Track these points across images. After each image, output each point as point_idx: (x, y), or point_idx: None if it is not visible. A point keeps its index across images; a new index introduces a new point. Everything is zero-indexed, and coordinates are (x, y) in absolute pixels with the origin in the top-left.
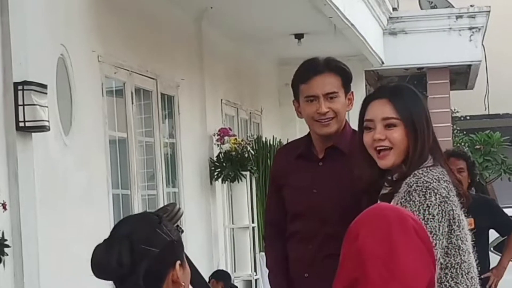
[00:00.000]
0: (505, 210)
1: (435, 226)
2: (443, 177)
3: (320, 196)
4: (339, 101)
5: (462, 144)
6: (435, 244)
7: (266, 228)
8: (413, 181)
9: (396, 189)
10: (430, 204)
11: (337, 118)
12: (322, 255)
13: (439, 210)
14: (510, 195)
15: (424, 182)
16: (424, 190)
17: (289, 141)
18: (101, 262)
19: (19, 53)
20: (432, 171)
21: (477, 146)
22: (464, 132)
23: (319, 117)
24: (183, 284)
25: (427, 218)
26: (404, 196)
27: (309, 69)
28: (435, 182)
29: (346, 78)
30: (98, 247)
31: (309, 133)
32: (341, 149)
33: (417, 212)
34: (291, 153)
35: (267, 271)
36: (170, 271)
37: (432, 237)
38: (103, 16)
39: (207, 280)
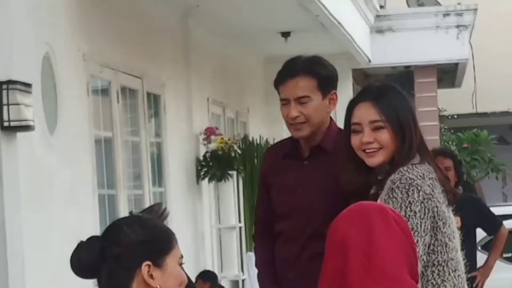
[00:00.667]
0: (492, 209)
1: (417, 222)
2: (428, 174)
3: (304, 196)
4: (311, 105)
5: (450, 142)
6: (417, 241)
7: (255, 227)
8: (396, 178)
9: (381, 188)
10: (413, 201)
11: (309, 122)
12: (306, 255)
13: (422, 207)
14: (498, 193)
15: (408, 179)
16: (407, 187)
17: (275, 140)
18: (71, 259)
19: (3, 51)
20: (417, 168)
21: (465, 145)
22: (452, 131)
23: (291, 121)
24: (157, 286)
25: (409, 215)
26: (388, 192)
27: (285, 72)
28: (419, 179)
29: (323, 80)
30: (78, 244)
31: None
32: (325, 148)
33: (399, 209)
34: (278, 152)
35: (256, 270)
36: (138, 272)
37: (414, 234)
38: (88, 14)
39: (193, 280)
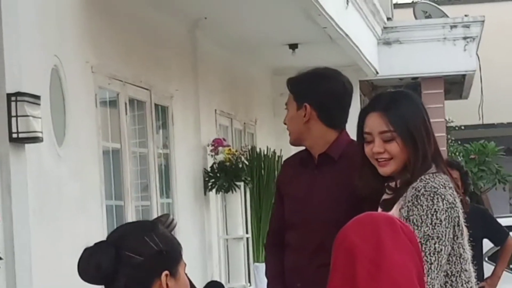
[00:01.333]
0: (499, 220)
1: (442, 231)
2: (448, 184)
3: (312, 205)
4: (288, 114)
5: (457, 154)
6: (441, 250)
7: (268, 236)
8: (420, 185)
9: (399, 195)
10: (438, 209)
11: (289, 131)
12: (314, 265)
13: (446, 216)
14: (505, 204)
15: (432, 187)
16: (432, 195)
17: (283, 151)
18: (83, 265)
19: (12, 64)
20: (438, 177)
21: (472, 156)
22: (459, 142)
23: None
24: None
25: (435, 223)
26: (412, 200)
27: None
28: (442, 188)
29: (297, 92)
30: (85, 250)
31: None
32: (331, 156)
33: (425, 216)
34: (295, 162)
35: (266, 280)
36: (156, 281)
37: (439, 242)
38: (97, 26)
39: None
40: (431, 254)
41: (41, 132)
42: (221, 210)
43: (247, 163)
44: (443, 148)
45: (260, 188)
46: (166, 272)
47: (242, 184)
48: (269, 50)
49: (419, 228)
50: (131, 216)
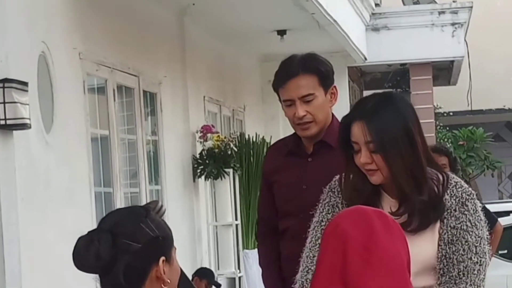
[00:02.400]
0: (488, 206)
1: (486, 230)
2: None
3: (310, 192)
4: (317, 102)
5: (445, 140)
6: (488, 249)
7: (258, 226)
8: (460, 191)
9: (406, 211)
10: (479, 210)
11: (316, 120)
12: None
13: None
14: (493, 191)
15: (469, 189)
16: (473, 197)
17: (272, 138)
18: (80, 255)
19: None
20: (456, 178)
21: (460, 142)
22: (447, 128)
23: (298, 121)
24: (168, 281)
25: (482, 225)
26: (457, 208)
27: (284, 72)
28: (469, 188)
29: (323, 76)
30: (80, 239)
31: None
32: (329, 143)
33: (473, 219)
34: (281, 151)
35: (260, 269)
36: (153, 267)
37: (487, 241)
38: (84, 13)
39: (190, 278)
40: (485, 255)
41: (29, 119)
42: (210, 196)
43: (236, 149)
44: (431, 134)
45: (249, 174)
46: (163, 258)
47: (231, 170)
48: (257, 37)
49: (470, 232)
50: (120, 203)
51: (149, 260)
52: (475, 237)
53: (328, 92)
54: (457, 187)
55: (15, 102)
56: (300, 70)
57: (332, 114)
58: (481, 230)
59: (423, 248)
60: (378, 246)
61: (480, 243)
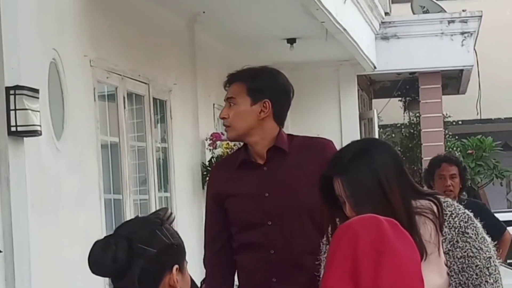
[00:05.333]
0: (496, 215)
1: (491, 247)
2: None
3: (273, 199)
4: (237, 109)
5: (454, 149)
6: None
7: (206, 248)
8: (456, 220)
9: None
10: (482, 231)
11: (232, 125)
12: (288, 256)
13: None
14: (502, 200)
15: (466, 214)
16: (472, 222)
17: None
18: (97, 258)
19: (11, 57)
20: (449, 201)
21: (469, 151)
22: (456, 137)
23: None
24: None
25: (487, 245)
26: (458, 238)
27: (229, 77)
28: (464, 209)
29: (253, 86)
30: (96, 243)
31: (244, 144)
32: (282, 147)
33: (478, 244)
34: (230, 166)
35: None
36: (167, 274)
37: (495, 256)
38: (95, 20)
39: (199, 285)
40: (498, 269)
41: (40, 126)
42: None
43: None
44: (440, 143)
45: None
46: (177, 266)
47: None
48: (267, 45)
49: (478, 257)
50: (129, 210)
51: (163, 267)
52: (484, 260)
53: (256, 103)
54: (453, 216)
55: (26, 109)
56: (238, 79)
57: (280, 128)
58: (488, 250)
59: (429, 279)
60: (389, 249)
61: (490, 264)
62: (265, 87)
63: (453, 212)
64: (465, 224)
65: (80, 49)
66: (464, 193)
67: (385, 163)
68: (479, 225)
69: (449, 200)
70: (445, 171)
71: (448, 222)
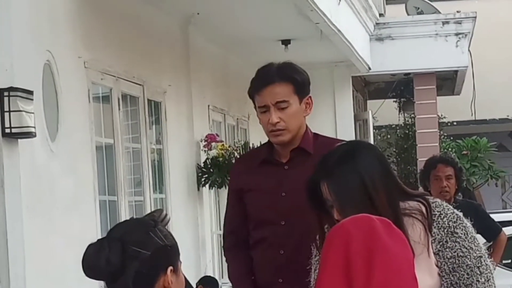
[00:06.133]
0: (491, 215)
1: (481, 245)
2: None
3: (289, 199)
4: (290, 110)
5: (449, 149)
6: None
7: (226, 239)
8: (445, 221)
9: None
10: (472, 230)
11: (288, 128)
12: (297, 259)
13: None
14: (497, 200)
15: (455, 213)
16: (462, 222)
17: None
18: (91, 261)
19: (5, 59)
20: (438, 201)
21: (464, 152)
22: (451, 138)
23: (271, 127)
24: None
25: (477, 244)
26: (447, 239)
27: (261, 80)
28: (452, 208)
29: (298, 84)
30: (90, 246)
31: (269, 140)
32: (306, 149)
33: (467, 244)
34: (252, 161)
35: (230, 284)
36: (161, 276)
37: (486, 254)
38: (89, 22)
39: (194, 286)
40: (489, 268)
41: (34, 127)
42: (214, 205)
43: None
44: (435, 144)
45: None
46: (171, 267)
47: None
48: (262, 46)
49: (468, 257)
50: (124, 212)
51: (157, 269)
52: (474, 260)
53: (303, 101)
54: (442, 216)
55: (20, 111)
56: (276, 78)
57: (306, 125)
58: (478, 249)
59: (420, 279)
60: (381, 247)
61: (481, 263)
62: (306, 83)
63: (441, 212)
64: (454, 224)
65: (74, 50)
66: (459, 194)
67: (371, 166)
68: (468, 224)
69: (438, 200)
70: (441, 172)
71: (437, 222)
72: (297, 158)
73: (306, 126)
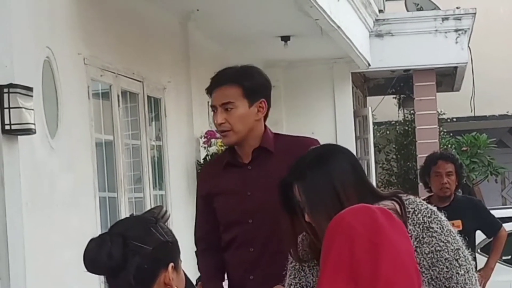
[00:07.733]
0: (491, 211)
1: (458, 236)
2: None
3: (255, 198)
4: (236, 112)
5: (449, 146)
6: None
7: (197, 245)
8: (420, 217)
9: None
10: (447, 223)
11: (233, 129)
12: (266, 256)
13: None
14: (497, 196)
15: (429, 208)
16: (436, 216)
17: None
18: (92, 255)
19: (4, 55)
20: (412, 197)
21: (464, 148)
22: (451, 134)
23: (218, 127)
24: (175, 287)
25: (453, 236)
26: (424, 234)
27: (215, 80)
28: (427, 203)
29: (248, 88)
30: (91, 241)
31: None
32: (268, 148)
33: (444, 237)
34: (217, 166)
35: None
36: (162, 272)
37: (464, 246)
38: (89, 18)
39: (194, 283)
40: (468, 260)
41: (34, 124)
42: None
43: None
44: (435, 140)
45: None
46: (172, 263)
47: None
48: (261, 42)
49: (446, 250)
50: (124, 208)
51: (158, 264)
52: (452, 252)
53: (254, 105)
54: (416, 213)
55: (19, 107)
56: (227, 81)
57: (266, 127)
58: (455, 242)
59: None
60: (385, 241)
61: (459, 255)
62: (259, 87)
63: (415, 208)
64: (429, 219)
65: (74, 47)
66: (459, 190)
67: (342, 170)
68: (443, 218)
69: (411, 197)
70: (442, 168)
71: (412, 219)
72: (259, 158)
73: (266, 126)
